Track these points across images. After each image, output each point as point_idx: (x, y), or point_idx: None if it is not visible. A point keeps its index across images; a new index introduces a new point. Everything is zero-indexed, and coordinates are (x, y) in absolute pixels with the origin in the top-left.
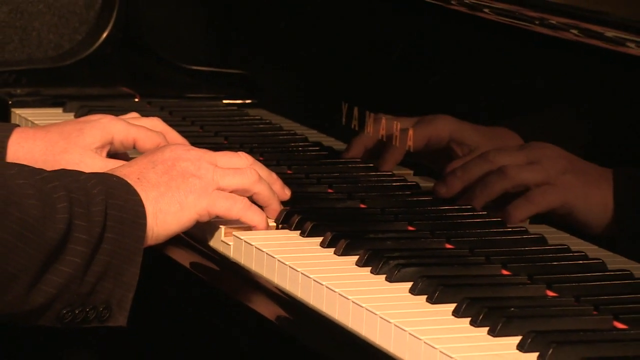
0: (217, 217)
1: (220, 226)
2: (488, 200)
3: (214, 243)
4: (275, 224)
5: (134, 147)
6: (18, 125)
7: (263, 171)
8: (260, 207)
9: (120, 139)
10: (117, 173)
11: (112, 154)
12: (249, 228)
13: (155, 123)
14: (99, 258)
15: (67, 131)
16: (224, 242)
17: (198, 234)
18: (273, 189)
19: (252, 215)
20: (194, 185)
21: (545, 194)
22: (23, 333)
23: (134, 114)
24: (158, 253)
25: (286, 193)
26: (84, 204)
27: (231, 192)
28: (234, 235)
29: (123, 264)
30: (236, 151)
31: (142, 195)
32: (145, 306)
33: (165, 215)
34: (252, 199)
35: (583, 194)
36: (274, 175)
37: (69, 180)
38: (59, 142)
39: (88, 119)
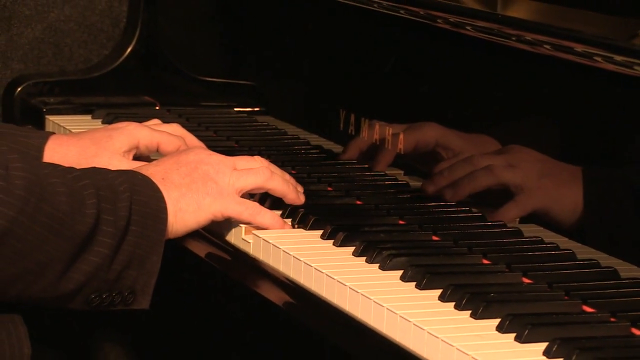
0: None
1: (236, 222)
2: (472, 192)
3: (229, 237)
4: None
5: (157, 150)
6: (54, 133)
7: (277, 171)
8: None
9: (145, 144)
10: (144, 171)
11: (137, 157)
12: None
13: (175, 128)
14: (124, 248)
15: (97, 137)
16: (238, 237)
17: (214, 229)
18: None
19: (262, 218)
20: (211, 189)
21: (531, 198)
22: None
23: (156, 121)
24: (178, 245)
25: (300, 191)
26: (111, 200)
27: (248, 190)
28: (245, 229)
29: (146, 253)
30: (246, 154)
31: (165, 195)
32: (166, 291)
33: (184, 213)
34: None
35: (557, 194)
36: (287, 175)
37: (98, 178)
38: (90, 147)
39: (116, 127)
